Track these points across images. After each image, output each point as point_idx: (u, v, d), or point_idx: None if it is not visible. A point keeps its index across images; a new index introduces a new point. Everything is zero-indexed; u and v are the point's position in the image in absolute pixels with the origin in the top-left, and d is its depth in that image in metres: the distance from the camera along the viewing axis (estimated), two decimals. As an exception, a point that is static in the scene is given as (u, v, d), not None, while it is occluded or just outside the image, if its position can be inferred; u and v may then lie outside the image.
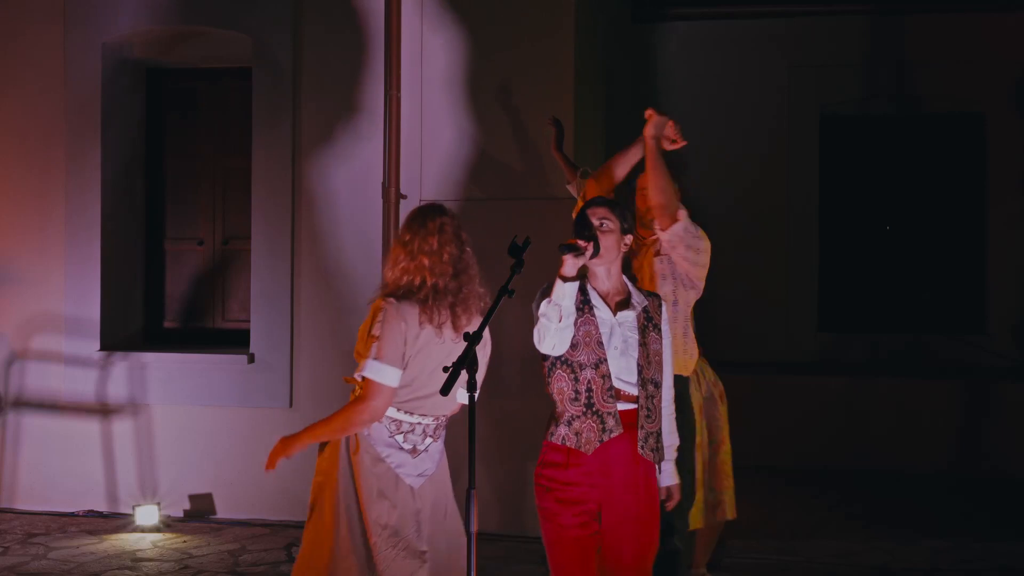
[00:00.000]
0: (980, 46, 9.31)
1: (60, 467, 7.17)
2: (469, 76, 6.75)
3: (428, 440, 3.86)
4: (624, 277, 3.96)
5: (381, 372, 3.71)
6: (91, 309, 7.17)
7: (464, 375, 3.36)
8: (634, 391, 3.83)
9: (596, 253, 3.79)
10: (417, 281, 3.75)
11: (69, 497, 7.15)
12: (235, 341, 7.32)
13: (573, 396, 3.81)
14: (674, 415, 4.03)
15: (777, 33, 9.58)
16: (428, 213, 3.89)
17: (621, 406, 3.81)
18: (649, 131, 4.74)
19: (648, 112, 4.78)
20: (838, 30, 9.52)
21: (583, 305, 3.85)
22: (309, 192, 6.96)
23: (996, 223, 9.45)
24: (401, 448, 3.83)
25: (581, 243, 3.73)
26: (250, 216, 7.11)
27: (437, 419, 3.88)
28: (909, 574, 5.97)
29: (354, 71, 6.90)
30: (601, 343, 3.81)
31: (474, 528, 3.35)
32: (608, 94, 8.14)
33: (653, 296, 4.01)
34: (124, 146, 7.43)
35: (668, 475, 3.98)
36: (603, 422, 3.79)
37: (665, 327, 3.97)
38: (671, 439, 4.00)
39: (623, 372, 3.83)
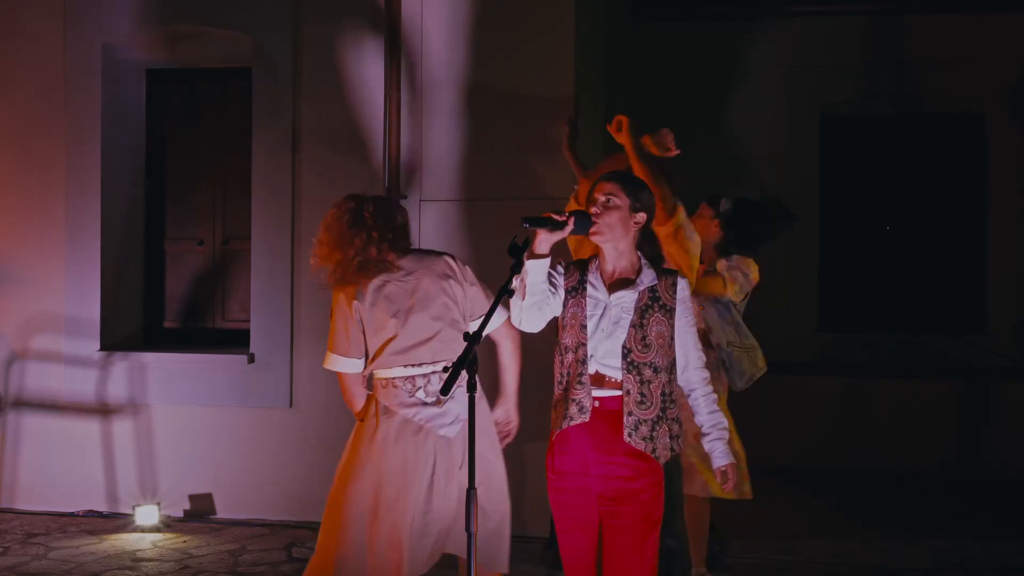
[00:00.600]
0: (980, 46, 9.31)
1: (60, 467, 7.17)
2: (469, 76, 6.74)
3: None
4: (640, 255, 3.80)
5: (333, 362, 4.26)
6: (91, 309, 7.18)
7: (464, 375, 3.37)
8: (618, 375, 3.69)
9: (582, 229, 3.68)
10: (330, 267, 4.18)
11: (69, 497, 7.15)
12: (235, 341, 7.32)
13: (558, 379, 3.79)
14: (714, 396, 3.83)
15: (777, 33, 9.59)
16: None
17: (603, 392, 3.69)
18: (625, 139, 4.92)
19: (620, 118, 4.97)
20: (838, 30, 9.52)
21: (578, 285, 3.77)
22: (309, 192, 6.96)
23: (996, 223, 9.46)
24: (425, 403, 4.05)
25: (557, 216, 3.61)
26: (250, 216, 7.11)
27: (448, 363, 4.04)
28: (909, 574, 5.97)
29: (354, 71, 6.90)
30: (584, 326, 3.71)
31: (474, 528, 3.34)
32: (608, 94, 8.14)
33: (669, 274, 3.82)
34: (124, 146, 7.43)
35: (719, 455, 3.79)
36: (567, 408, 3.72)
37: (682, 307, 3.76)
38: (715, 419, 3.79)
39: (607, 356, 3.70)
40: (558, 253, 3.80)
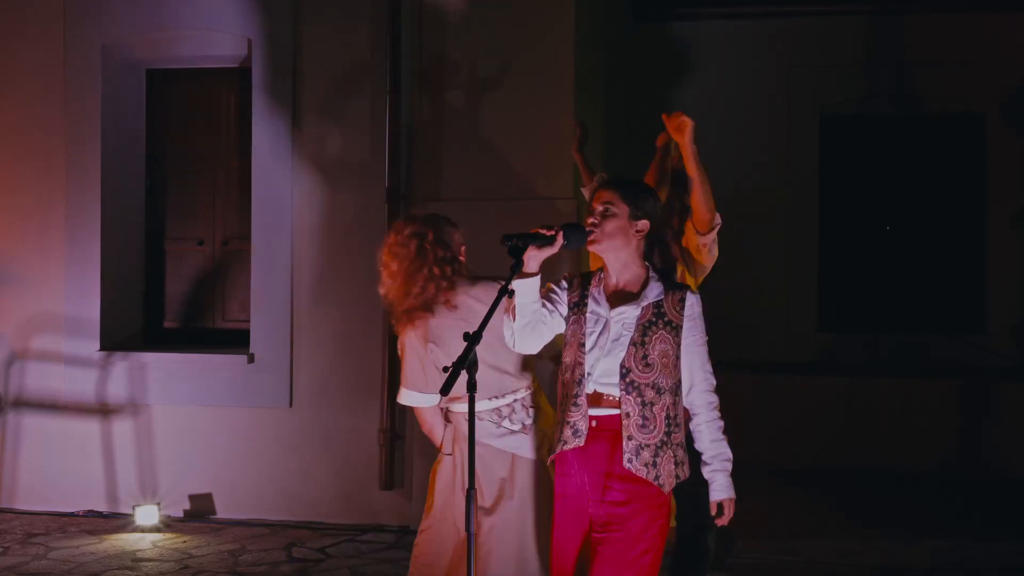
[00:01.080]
0: (980, 46, 9.31)
1: (60, 467, 7.17)
2: (469, 76, 6.75)
3: (531, 410, 3.96)
4: (649, 266, 3.58)
5: (408, 398, 4.07)
6: (91, 309, 7.18)
7: (464, 375, 3.35)
8: (616, 395, 3.46)
9: (576, 243, 3.48)
10: (391, 299, 4.02)
11: (69, 497, 7.15)
12: (235, 341, 7.32)
13: (560, 399, 3.60)
14: (719, 423, 3.57)
15: (777, 33, 9.59)
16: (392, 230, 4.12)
17: (600, 412, 3.48)
18: (686, 138, 4.34)
19: (667, 117, 4.44)
20: (838, 30, 9.52)
21: (580, 301, 3.56)
22: (309, 192, 6.96)
23: (996, 223, 9.45)
24: (512, 432, 3.95)
25: (544, 231, 3.41)
26: (250, 216, 7.11)
27: (528, 388, 3.97)
28: (909, 574, 5.97)
29: (354, 71, 6.90)
30: (583, 344, 3.51)
31: (474, 528, 3.34)
32: (608, 94, 8.14)
33: (678, 289, 3.57)
34: (124, 146, 7.43)
35: (719, 488, 3.56)
36: (562, 431, 3.52)
37: (690, 324, 3.52)
38: (717, 449, 3.56)
39: (604, 375, 3.48)
40: (559, 265, 3.72)
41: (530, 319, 3.49)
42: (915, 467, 8.25)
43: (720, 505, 3.59)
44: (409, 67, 6.80)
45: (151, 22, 7.19)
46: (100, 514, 7.09)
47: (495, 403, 3.92)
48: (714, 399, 3.58)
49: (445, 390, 3.31)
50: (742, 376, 8.82)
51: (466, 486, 3.60)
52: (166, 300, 7.67)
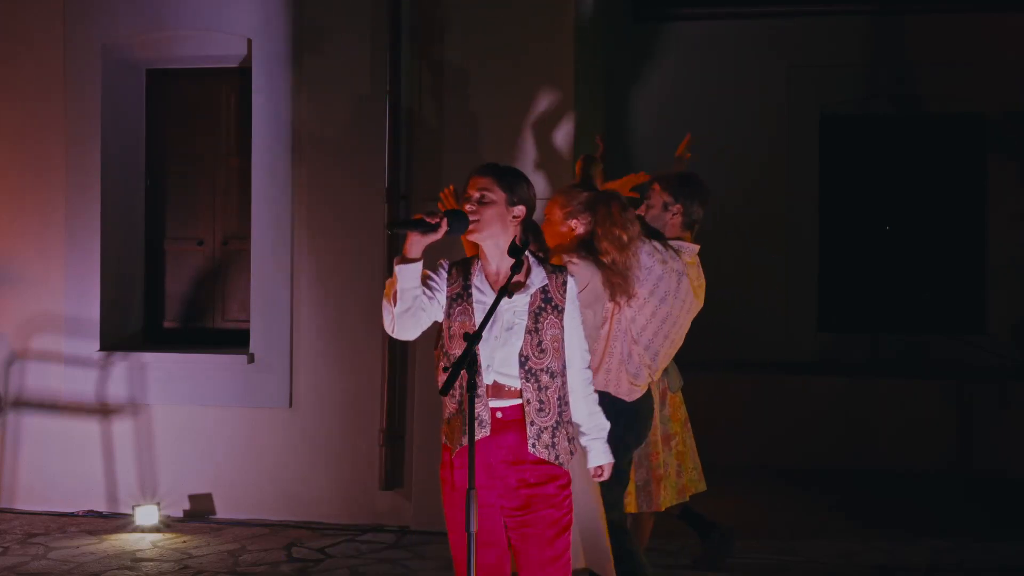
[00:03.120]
0: (980, 46, 9.31)
1: (60, 467, 7.17)
2: (469, 77, 6.74)
3: None
4: (528, 252, 3.57)
5: None
6: (91, 309, 7.17)
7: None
8: (516, 384, 3.48)
9: (458, 229, 3.47)
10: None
11: (69, 497, 7.15)
12: (235, 341, 7.32)
13: (451, 393, 3.52)
14: (594, 396, 3.70)
15: (777, 33, 9.58)
16: None
17: (502, 403, 3.49)
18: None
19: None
20: (838, 30, 9.51)
21: (463, 291, 3.54)
22: (309, 192, 6.96)
23: (996, 223, 9.45)
24: None
25: (429, 218, 3.39)
26: (250, 216, 7.11)
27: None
28: (909, 574, 5.97)
29: (354, 71, 6.90)
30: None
31: (473, 528, 3.34)
32: (608, 94, 8.15)
33: (558, 271, 3.61)
34: (124, 146, 7.43)
35: (599, 454, 3.69)
36: (464, 423, 3.46)
37: (571, 306, 3.58)
38: (594, 420, 3.68)
39: (503, 364, 3.48)
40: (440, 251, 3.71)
41: (410, 305, 3.46)
42: (915, 467, 8.25)
43: (600, 468, 3.73)
44: (409, 67, 6.80)
45: (151, 22, 7.18)
46: (100, 514, 7.09)
47: None
48: (588, 375, 3.69)
49: (444, 391, 3.31)
50: (742, 376, 8.83)
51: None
52: (166, 300, 7.67)
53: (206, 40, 7.27)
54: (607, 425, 3.74)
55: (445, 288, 3.58)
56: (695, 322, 4.96)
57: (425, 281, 3.55)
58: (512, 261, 3.49)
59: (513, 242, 3.51)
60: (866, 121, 9.81)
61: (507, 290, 3.46)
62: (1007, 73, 9.32)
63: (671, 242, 4.91)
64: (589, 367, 3.70)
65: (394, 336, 3.54)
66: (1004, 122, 9.39)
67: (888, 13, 9.44)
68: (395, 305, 3.45)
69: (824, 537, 6.62)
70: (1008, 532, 6.76)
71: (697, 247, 5.03)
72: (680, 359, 5.21)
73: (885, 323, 9.62)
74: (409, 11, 6.79)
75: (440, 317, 3.58)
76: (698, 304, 4.91)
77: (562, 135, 6.55)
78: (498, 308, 3.44)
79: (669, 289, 4.74)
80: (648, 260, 4.69)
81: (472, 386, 3.37)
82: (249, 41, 7.12)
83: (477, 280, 3.56)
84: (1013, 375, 8.80)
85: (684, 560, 5.96)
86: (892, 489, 7.90)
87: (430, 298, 3.54)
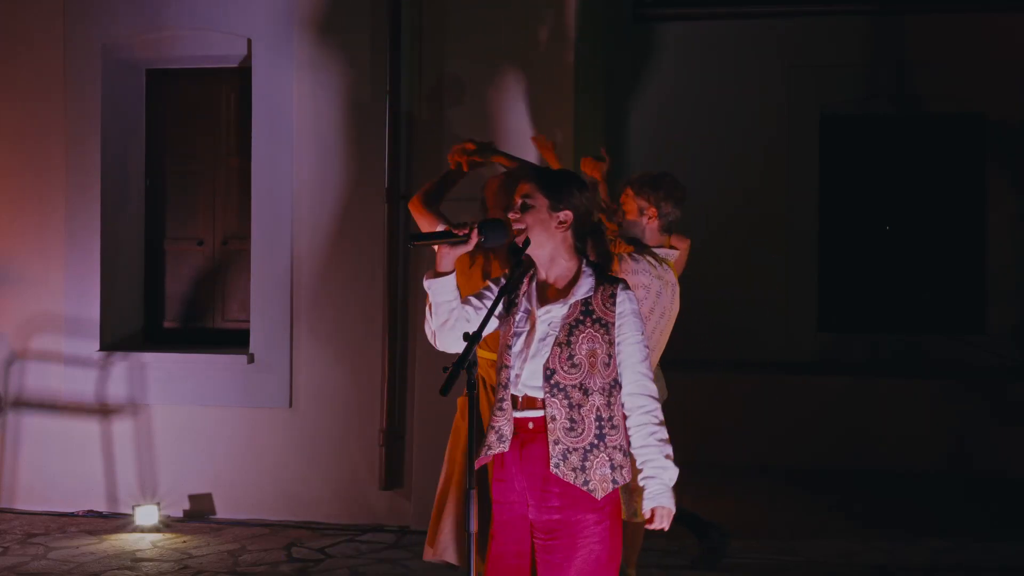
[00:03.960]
0: (980, 46, 9.30)
1: (60, 467, 7.17)
2: (469, 76, 6.74)
3: None
4: (583, 260, 3.41)
5: None
6: (91, 309, 7.17)
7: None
8: (540, 396, 3.31)
9: (496, 239, 3.30)
10: None
11: (69, 497, 7.15)
12: (235, 341, 7.32)
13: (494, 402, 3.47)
14: (650, 428, 3.31)
15: (777, 33, 9.57)
16: None
17: (528, 414, 3.34)
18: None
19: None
20: (838, 30, 9.51)
21: (513, 301, 3.42)
22: (309, 192, 6.96)
23: (996, 224, 9.45)
24: None
25: (456, 230, 3.26)
26: (249, 216, 7.11)
27: None
28: (909, 574, 5.97)
29: (354, 71, 6.90)
30: (509, 346, 3.37)
31: (473, 528, 3.34)
32: (608, 94, 8.14)
33: (610, 283, 3.39)
34: (124, 146, 7.43)
35: (653, 497, 3.31)
36: (488, 435, 3.41)
37: (622, 321, 3.33)
38: (649, 455, 3.30)
39: (531, 377, 3.33)
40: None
41: (447, 318, 3.35)
42: (915, 467, 8.25)
43: (654, 512, 3.33)
44: (409, 67, 6.80)
45: (151, 22, 7.18)
46: (100, 514, 7.09)
47: None
48: (645, 403, 3.34)
49: (444, 391, 3.30)
50: (742, 376, 8.82)
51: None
52: (166, 300, 7.67)
53: (206, 40, 7.27)
54: (668, 466, 3.32)
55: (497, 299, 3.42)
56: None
57: (480, 292, 3.48)
58: (566, 266, 3.39)
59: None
60: (866, 121, 9.81)
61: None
62: (1007, 73, 9.32)
63: (658, 251, 4.82)
64: (651, 396, 3.35)
65: (438, 348, 3.44)
66: (1004, 123, 9.39)
67: (888, 13, 9.44)
68: (433, 318, 3.36)
69: (824, 537, 6.62)
70: (1008, 532, 6.76)
71: (677, 252, 4.91)
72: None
73: (885, 323, 9.62)
74: (409, 11, 6.79)
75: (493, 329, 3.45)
76: (678, 308, 4.86)
77: (562, 135, 6.54)
78: (537, 318, 3.34)
79: (665, 304, 4.69)
80: (646, 279, 4.58)
81: (472, 386, 3.33)
82: (249, 41, 7.12)
83: (528, 289, 3.43)
84: (1013, 375, 8.80)
85: (683, 560, 5.96)
86: (892, 489, 7.90)
87: (477, 308, 3.41)
